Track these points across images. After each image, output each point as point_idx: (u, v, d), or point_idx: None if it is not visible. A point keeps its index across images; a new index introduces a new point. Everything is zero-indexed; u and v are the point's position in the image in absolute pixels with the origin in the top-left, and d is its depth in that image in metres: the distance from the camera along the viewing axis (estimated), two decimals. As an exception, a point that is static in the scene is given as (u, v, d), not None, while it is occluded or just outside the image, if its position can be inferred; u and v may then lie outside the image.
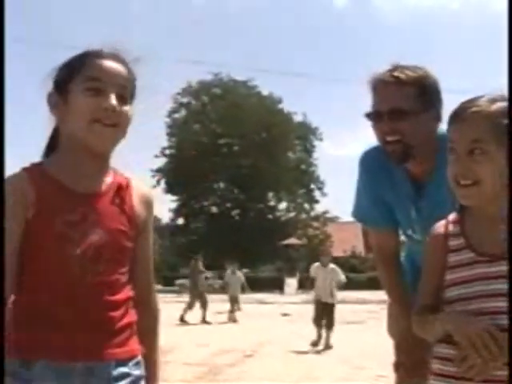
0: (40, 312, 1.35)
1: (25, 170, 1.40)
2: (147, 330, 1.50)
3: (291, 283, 30.66)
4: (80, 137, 1.38)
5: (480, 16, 68.51)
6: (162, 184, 39.45)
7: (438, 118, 2.09)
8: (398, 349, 2.35)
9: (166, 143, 39.65)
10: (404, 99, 2.02)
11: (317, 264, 9.96)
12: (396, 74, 2.03)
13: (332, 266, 9.79)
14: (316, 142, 41.05)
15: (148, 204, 1.51)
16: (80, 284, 1.36)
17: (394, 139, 2.03)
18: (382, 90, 2.04)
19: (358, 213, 2.37)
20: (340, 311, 16.12)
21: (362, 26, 69.69)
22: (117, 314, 1.40)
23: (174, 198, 39.42)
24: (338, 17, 69.85)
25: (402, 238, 2.43)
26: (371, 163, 2.23)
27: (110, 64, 1.42)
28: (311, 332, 9.04)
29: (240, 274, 15.65)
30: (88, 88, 1.38)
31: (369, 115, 2.07)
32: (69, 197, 1.38)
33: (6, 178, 1.37)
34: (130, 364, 1.41)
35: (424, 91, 2.03)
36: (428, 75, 2.07)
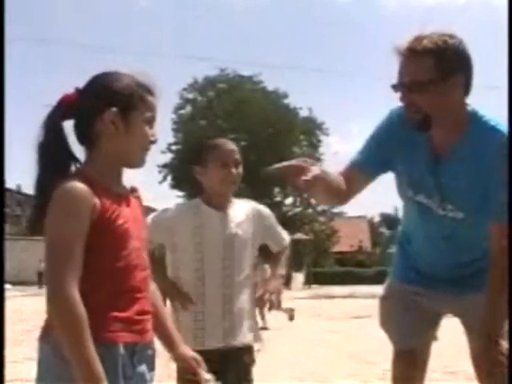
0: (113, 305, 1.54)
1: (78, 177, 1.56)
2: (159, 301, 1.78)
3: (298, 278, 30.69)
4: (130, 157, 1.64)
5: (486, 9, 68.23)
6: (169, 179, 39.55)
7: (464, 85, 2.07)
8: (396, 333, 2.36)
9: (172, 139, 39.70)
10: (419, 71, 2.02)
11: (184, 205, 2.83)
12: (412, 45, 2.03)
13: (251, 205, 2.57)
14: (322, 137, 41.00)
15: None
16: (142, 271, 1.61)
17: (413, 110, 2.07)
18: (401, 63, 2.07)
19: (357, 153, 2.31)
20: (348, 306, 16.14)
21: (367, 20, 69.49)
22: (150, 297, 1.66)
23: (181, 193, 39.47)
24: (344, 11, 69.66)
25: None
26: (393, 121, 2.24)
27: (155, 102, 1.66)
28: (319, 327, 9.00)
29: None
30: (147, 120, 1.63)
31: (393, 87, 2.10)
32: (118, 199, 1.60)
33: (67, 185, 1.52)
34: None
35: (442, 60, 2.01)
36: (449, 43, 2.03)
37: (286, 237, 2.72)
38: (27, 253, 29.80)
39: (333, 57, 71.15)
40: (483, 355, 2.15)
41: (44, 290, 1.51)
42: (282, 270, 2.71)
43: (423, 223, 2.32)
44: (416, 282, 2.38)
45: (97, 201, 1.53)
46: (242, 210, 2.54)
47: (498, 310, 2.07)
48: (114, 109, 1.58)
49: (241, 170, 2.52)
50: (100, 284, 1.54)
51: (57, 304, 1.45)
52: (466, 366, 2.46)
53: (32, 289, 25.77)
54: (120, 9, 75.72)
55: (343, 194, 2.28)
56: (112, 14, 78.20)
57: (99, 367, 1.44)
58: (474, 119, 2.12)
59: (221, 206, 2.49)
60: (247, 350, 2.47)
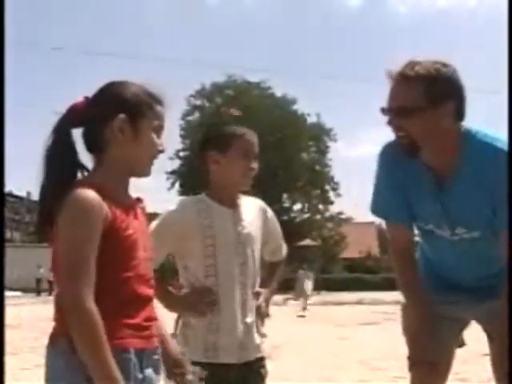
0: (123, 312, 1.56)
1: (87, 185, 1.54)
2: None
3: (306, 284, 30.56)
4: (138, 164, 1.65)
5: (496, 12, 68.10)
6: (177, 186, 39.63)
7: (456, 113, 2.07)
8: (414, 344, 2.34)
9: (180, 145, 39.79)
10: (410, 97, 2.02)
11: (188, 202, 2.34)
12: (405, 71, 2.03)
13: (258, 203, 2.37)
14: (330, 143, 40.98)
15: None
16: (149, 280, 1.64)
17: (401, 134, 2.08)
18: (392, 87, 2.07)
19: (377, 207, 2.36)
20: (357, 312, 16.07)
21: (377, 25, 69.54)
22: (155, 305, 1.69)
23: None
24: (354, 16, 69.74)
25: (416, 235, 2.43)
26: (389, 157, 2.24)
27: (163, 111, 1.67)
28: (328, 333, 8.96)
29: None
30: (155, 129, 1.65)
31: (382, 110, 2.10)
32: (126, 209, 1.61)
33: (79, 194, 1.51)
34: None
35: (433, 88, 2.00)
36: (441, 71, 2.03)
37: (284, 247, 2.49)
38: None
39: (341, 63, 71.17)
40: (500, 359, 2.16)
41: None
42: (276, 284, 2.48)
43: (440, 247, 2.33)
44: (436, 291, 2.37)
45: (108, 210, 1.53)
46: (250, 207, 2.30)
47: None
48: (123, 116, 1.59)
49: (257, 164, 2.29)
50: (110, 292, 1.54)
51: (76, 315, 1.46)
52: (477, 372, 2.46)
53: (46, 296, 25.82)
54: (130, 15, 76.20)
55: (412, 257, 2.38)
56: (122, 20, 78.70)
57: (118, 373, 1.46)
58: (469, 139, 2.10)
59: (231, 203, 2.23)
60: (262, 362, 2.28)
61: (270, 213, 2.38)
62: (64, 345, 1.49)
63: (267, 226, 2.34)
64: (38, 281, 30.30)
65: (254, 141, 2.28)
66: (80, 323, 1.45)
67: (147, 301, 1.63)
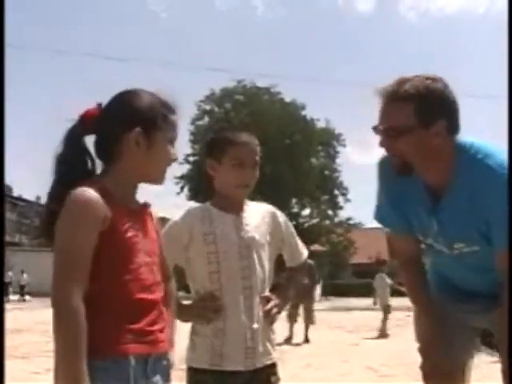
0: (124, 317, 1.53)
1: (88, 185, 1.54)
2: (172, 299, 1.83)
3: (315, 290, 30.53)
4: (151, 175, 1.67)
5: (505, 17, 67.91)
6: (186, 191, 39.69)
7: (448, 132, 2.00)
8: (425, 355, 2.31)
9: (189, 150, 39.88)
10: (399, 117, 1.97)
11: (193, 211, 2.32)
12: (394, 90, 1.97)
13: (267, 207, 2.37)
14: (339, 148, 40.94)
15: (158, 220, 1.79)
16: (152, 285, 1.61)
17: (394, 154, 2.04)
18: (381, 106, 2.02)
19: (379, 215, 2.35)
20: (366, 318, 16.00)
21: (386, 31, 69.50)
22: (164, 309, 1.67)
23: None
24: (364, 23, 69.77)
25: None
26: (385, 170, 2.20)
27: (177, 120, 1.69)
28: (336, 339, 8.90)
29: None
30: (169, 140, 1.66)
31: (374, 129, 2.05)
32: (130, 213, 1.61)
33: (78, 192, 1.51)
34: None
35: (423, 107, 1.95)
36: (431, 88, 1.96)
37: (304, 251, 2.43)
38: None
39: (351, 68, 71.17)
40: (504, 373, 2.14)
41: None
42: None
43: (444, 260, 2.30)
44: (451, 300, 2.35)
45: (108, 212, 1.52)
46: (257, 212, 2.26)
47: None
48: (139, 129, 1.60)
49: (257, 172, 2.22)
50: (110, 296, 1.53)
51: (57, 312, 1.43)
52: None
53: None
54: (140, 20, 76.59)
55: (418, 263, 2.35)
56: (132, 25, 79.10)
57: (85, 381, 1.41)
58: (462, 154, 2.04)
59: (234, 209, 2.21)
60: (272, 369, 2.20)
61: (282, 217, 2.33)
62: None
63: (278, 230, 2.29)
64: (8, 284, 28.98)
65: (252, 148, 2.19)
66: (65, 324, 1.42)
67: (151, 305, 1.60)
